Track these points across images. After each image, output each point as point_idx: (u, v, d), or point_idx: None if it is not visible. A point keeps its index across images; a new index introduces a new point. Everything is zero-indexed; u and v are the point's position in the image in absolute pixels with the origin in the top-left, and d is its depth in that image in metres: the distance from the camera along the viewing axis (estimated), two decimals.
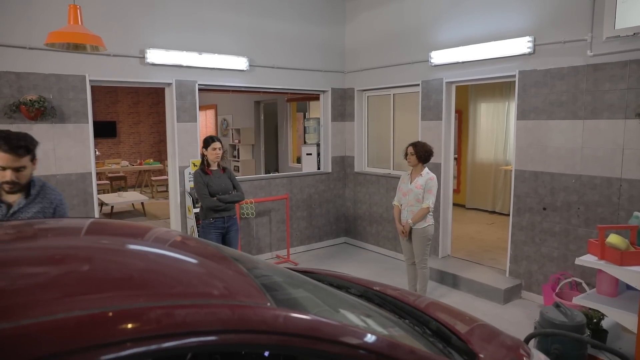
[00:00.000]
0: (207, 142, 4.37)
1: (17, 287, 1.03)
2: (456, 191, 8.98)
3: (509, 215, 5.33)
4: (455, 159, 7.24)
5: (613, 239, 3.34)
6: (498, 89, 8.58)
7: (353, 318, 1.59)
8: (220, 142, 4.42)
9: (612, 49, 4.10)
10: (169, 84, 5.50)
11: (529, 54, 4.74)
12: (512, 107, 8.03)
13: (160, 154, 12.49)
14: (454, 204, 6.26)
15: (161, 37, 5.34)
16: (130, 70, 5.18)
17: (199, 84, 5.66)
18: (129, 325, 0.93)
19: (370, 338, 1.31)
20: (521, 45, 4.78)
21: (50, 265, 1.18)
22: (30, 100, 4.46)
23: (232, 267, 1.44)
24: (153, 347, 0.95)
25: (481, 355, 1.74)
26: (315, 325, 1.20)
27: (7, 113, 4.45)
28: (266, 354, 1.92)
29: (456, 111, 6.11)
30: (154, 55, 5.25)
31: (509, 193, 6.81)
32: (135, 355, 0.94)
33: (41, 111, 4.52)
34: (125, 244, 1.45)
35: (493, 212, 8.83)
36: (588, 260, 3.50)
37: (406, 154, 4.56)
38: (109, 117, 12.05)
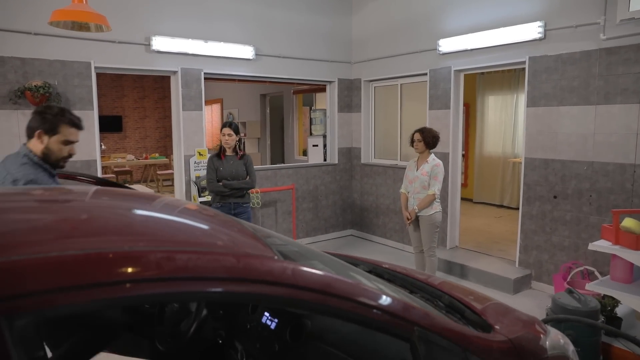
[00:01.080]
0: (221, 126, 4.41)
1: (19, 228, 0.99)
2: (464, 185, 8.87)
3: (517, 209, 5.25)
4: (462, 155, 7.13)
5: (628, 222, 3.25)
6: (506, 81, 8.48)
7: (367, 283, 1.52)
8: (233, 128, 4.35)
9: (626, 31, 4.01)
10: (175, 72, 5.45)
11: (540, 39, 4.66)
12: (521, 99, 7.94)
13: (166, 148, 12.47)
14: (461, 198, 6.18)
15: (167, 25, 5.30)
16: (135, 57, 5.14)
17: (204, 73, 5.61)
18: (127, 266, 0.88)
19: (384, 298, 1.24)
20: (531, 30, 4.70)
21: (54, 213, 1.13)
22: (35, 85, 4.42)
23: (240, 226, 1.38)
24: (152, 290, 0.89)
25: (497, 327, 1.67)
26: (326, 281, 1.14)
27: (12, 98, 4.42)
28: (272, 326, 1.86)
29: (464, 104, 6.02)
30: (160, 43, 5.21)
31: (518, 186, 6.70)
32: (134, 298, 0.88)
33: (46, 97, 4.49)
34: (130, 201, 1.39)
35: (501, 206, 8.72)
36: (602, 245, 3.42)
37: (412, 141, 4.48)
38: (115, 112, 12.05)
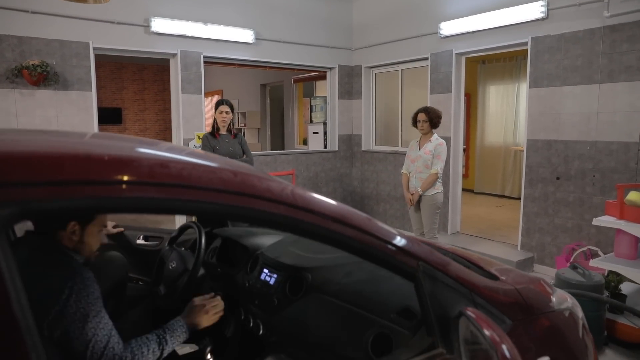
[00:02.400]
0: (217, 104, 4.33)
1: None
2: (465, 176, 8.81)
3: (519, 198, 5.19)
4: (464, 150, 7.04)
5: (633, 196, 3.21)
6: (508, 70, 8.42)
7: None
8: (230, 107, 4.33)
9: (631, 7, 3.96)
10: (174, 55, 5.41)
11: (542, 19, 4.61)
12: (523, 88, 7.88)
13: (166, 141, 12.43)
14: (463, 189, 6.13)
15: (166, 6, 5.25)
16: (134, 39, 5.09)
17: (204, 56, 5.57)
18: (120, 167, 0.85)
19: (387, 229, 1.20)
20: (534, 10, 4.65)
21: (58, 136, 1.11)
22: (32, 64, 4.38)
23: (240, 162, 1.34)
24: (145, 194, 0.85)
25: (503, 278, 1.63)
26: (326, 205, 1.10)
27: (9, 77, 4.38)
28: (271, 282, 1.81)
29: (465, 95, 5.96)
30: (159, 25, 5.16)
31: (519, 176, 6.64)
32: (128, 201, 0.85)
33: (44, 76, 4.44)
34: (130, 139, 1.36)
35: (502, 196, 8.66)
36: (606, 220, 3.37)
37: (416, 122, 4.42)
38: (115, 104, 12.00)
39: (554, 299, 1.75)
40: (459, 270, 1.36)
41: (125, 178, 0.83)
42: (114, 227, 2.38)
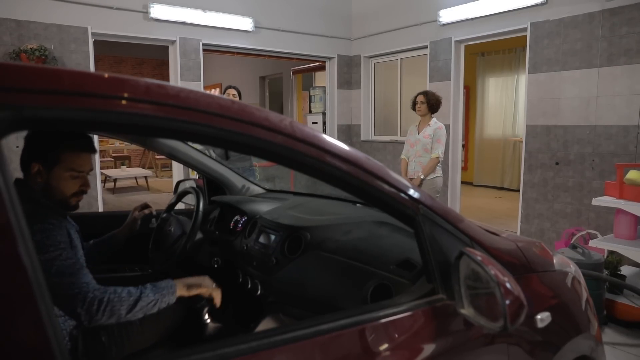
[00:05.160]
0: (225, 89, 4.46)
1: None
2: (463, 169, 8.79)
3: (518, 190, 5.19)
4: (463, 145, 7.00)
5: (633, 174, 3.20)
6: (507, 62, 8.42)
7: None
8: (237, 90, 4.44)
9: None
10: (173, 42, 5.39)
11: (541, 4, 4.60)
12: (522, 80, 7.87)
13: None
14: (462, 182, 6.12)
15: None
16: (133, 25, 5.08)
17: (203, 43, 5.55)
18: (119, 85, 0.85)
19: (392, 174, 1.19)
20: None
21: None
22: (30, 48, 4.37)
23: None
24: (141, 110, 0.85)
25: (504, 235, 1.63)
26: (327, 141, 1.08)
27: (7, 61, 4.36)
28: (269, 243, 1.79)
29: (464, 87, 5.94)
30: (158, 11, 5.15)
31: (518, 167, 6.64)
32: (123, 116, 0.84)
33: (42, 60, 4.43)
34: None
35: (501, 188, 8.66)
36: (605, 199, 3.37)
37: (414, 104, 4.41)
38: None
39: (555, 260, 1.75)
40: (460, 220, 1.35)
41: (124, 94, 0.83)
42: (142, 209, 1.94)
